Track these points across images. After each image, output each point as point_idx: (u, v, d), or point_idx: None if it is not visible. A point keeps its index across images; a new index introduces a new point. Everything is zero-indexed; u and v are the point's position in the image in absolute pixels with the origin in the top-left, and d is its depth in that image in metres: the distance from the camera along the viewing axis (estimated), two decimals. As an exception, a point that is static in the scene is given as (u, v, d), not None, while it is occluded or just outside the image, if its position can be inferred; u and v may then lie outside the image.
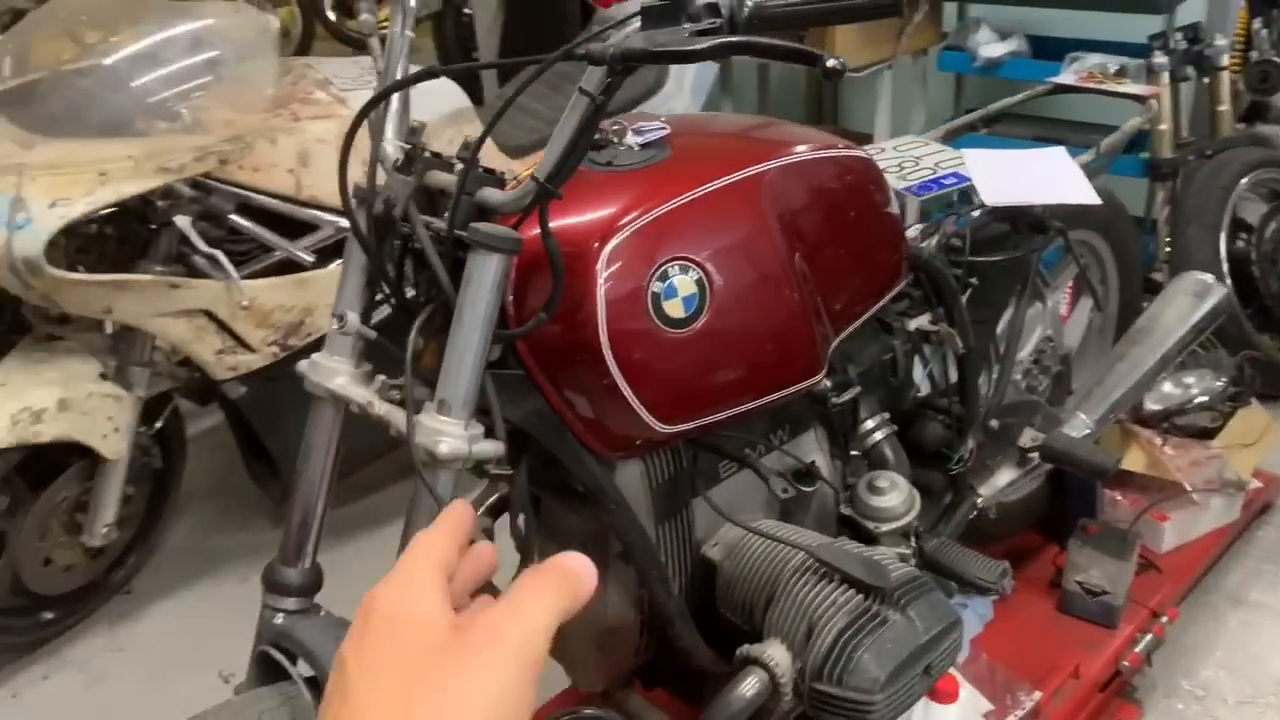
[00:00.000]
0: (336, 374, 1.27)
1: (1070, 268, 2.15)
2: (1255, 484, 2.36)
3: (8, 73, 2.07)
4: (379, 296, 1.28)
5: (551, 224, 1.11)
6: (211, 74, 2.07)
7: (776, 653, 1.28)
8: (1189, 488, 2.15)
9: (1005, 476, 1.88)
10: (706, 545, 1.42)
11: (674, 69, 3.14)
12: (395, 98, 1.26)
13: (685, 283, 1.23)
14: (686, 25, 1.04)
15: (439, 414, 1.13)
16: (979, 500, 1.83)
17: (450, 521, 0.53)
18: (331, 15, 6.08)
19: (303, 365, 1.30)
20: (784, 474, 1.46)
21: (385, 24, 1.33)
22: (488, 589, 0.56)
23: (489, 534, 1.45)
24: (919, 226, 1.79)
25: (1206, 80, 3.12)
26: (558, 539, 1.43)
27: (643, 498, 1.33)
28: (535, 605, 0.48)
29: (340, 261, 1.31)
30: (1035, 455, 1.86)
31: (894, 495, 1.53)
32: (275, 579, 1.29)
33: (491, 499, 1.51)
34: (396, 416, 1.19)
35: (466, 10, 4.54)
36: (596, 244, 1.19)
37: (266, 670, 1.25)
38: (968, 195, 1.83)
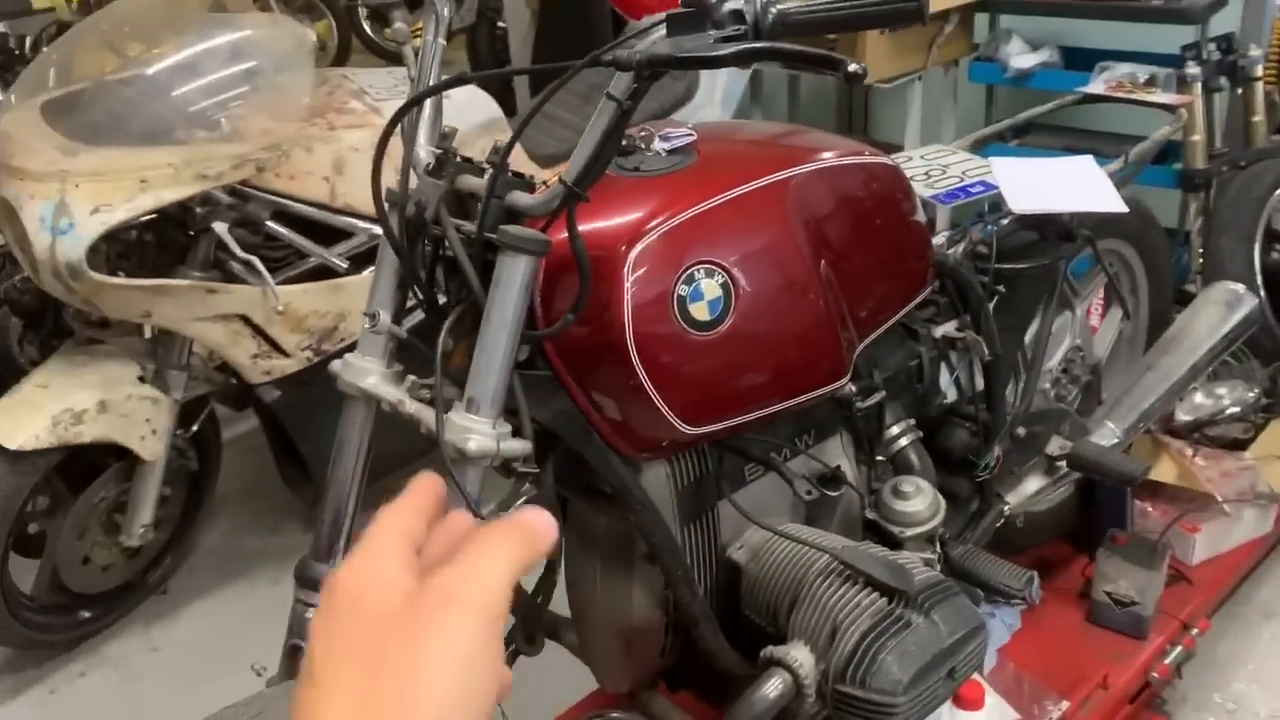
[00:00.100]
0: (368, 373, 1.29)
1: (1100, 277, 2.14)
2: (1288, 497, 2.34)
3: (53, 83, 2.13)
4: (410, 302, 1.30)
5: (579, 227, 1.13)
6: (249, 84, 2.12)
7: (800, 654, 1.28)
8: (1220, 499, 2.13)
9: (1033, 484, 1.87)
10: (731, 547, 1.43)
11: (704, 78, 3.15)
12: (428, 104, 1.29)
13: (711, 286, 1.24)
14: (712, 32, 1.06)
15: (468, 412, 1.15)
16: (1006, 508, 1.82)
17: (415, 493, 0.51)
18: (367, 27, 6.17)
19: (335, 365, 1.32)
20: (809, 478, 1.46)
21: (419, 32, 1.36)
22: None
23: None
24: (946, 233, 1.79)
25: (1240, 91, 3.09)
26: (584, 539, 1.45)
27: (668, 499, 1.34)
28: (490, 561, 0.47)
29: (373, 268, 1.34)
30: (1063, 463, 1.86)
31: (919, 500, 1.53)
32: (307, 574, 1.32)
33: (519, 501, 1.52)
34: (426, 415, 1.22)
35: (500, 24, 4.59)
36: (623, 247, 1.20)
37: (298, 663, 1.27)
38: (996, 204, 1.84)
